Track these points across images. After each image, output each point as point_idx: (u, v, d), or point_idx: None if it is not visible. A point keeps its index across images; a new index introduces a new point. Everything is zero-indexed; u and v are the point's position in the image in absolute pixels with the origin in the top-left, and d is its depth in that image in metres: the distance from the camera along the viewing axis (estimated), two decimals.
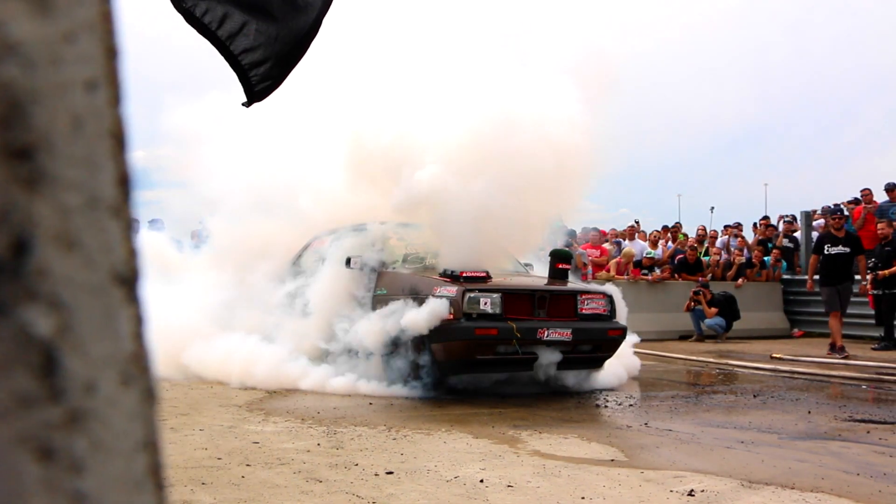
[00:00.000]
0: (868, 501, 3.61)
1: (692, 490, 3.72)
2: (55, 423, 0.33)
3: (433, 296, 6.51)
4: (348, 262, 7.45)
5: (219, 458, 4.29)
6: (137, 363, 0.36)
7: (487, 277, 6.69)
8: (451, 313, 6.35)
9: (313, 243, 8.92)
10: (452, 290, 6.46)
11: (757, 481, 3.91)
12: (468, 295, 6.40)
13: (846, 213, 11.53)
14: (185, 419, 5.47)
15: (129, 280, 0.37)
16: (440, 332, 6.35)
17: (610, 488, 3.76)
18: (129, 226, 0.37)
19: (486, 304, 6.43)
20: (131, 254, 0.37)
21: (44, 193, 0.35)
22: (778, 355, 10.05)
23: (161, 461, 0.36)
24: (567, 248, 7.49)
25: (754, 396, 6.92)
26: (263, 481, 3.83)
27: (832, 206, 14.54)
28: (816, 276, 10.61)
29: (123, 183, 0.36)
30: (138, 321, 0.37)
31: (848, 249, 10.28)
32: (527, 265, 8.06)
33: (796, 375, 8.48)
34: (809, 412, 6.11)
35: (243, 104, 3.24)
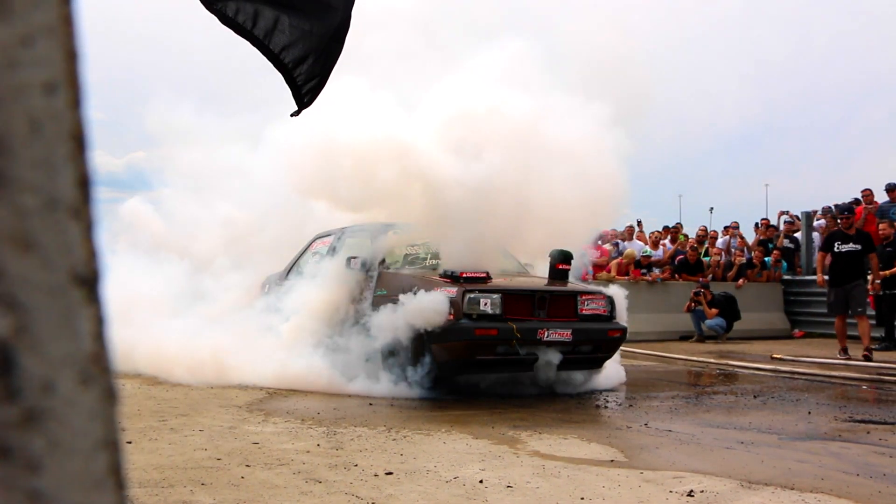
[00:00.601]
0: (868, 502, 3.61)
1: (691, 490, 3.71)
2: (11, 422, 0.33)
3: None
4: (348, 262, 7.46)
5: (218, 459, 4.29)
6: (97, 363, 0.36)
7: (487, 278, 6.69)
8: (451, 314, 6.36)
9: (314, 243, 8.95)
10: (452, 290, 6.46)
11: (756, 482, 3.91)
12: (468, 295, 6.40)
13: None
14: (185, 420, 5.48)
15: (89, 280, 0.37)
16: (440, 333, 6.35)
17: (609, 489, 3.75)
18: (89, 227, 0.37)
19: (486, 304, 6.43)
20: (92, 254, 0.37)
21: (0, 195, 0.34)
22: (778, 356, 10.05)
23: (122, 461, 0.36)
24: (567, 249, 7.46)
25: (754, 397, 6.91)
26: (263, 482, 3.83)
27: (832, 206, 14.53)
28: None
29: (84, 184, 0.36)
30: (99, 321, 0.37)
31: (859, 247, 10.04)
32: (527, 265, 8.07)
33: (797, 376, 8.47)
34: (810, 413, 6.10)
35: (292, 114, 3.19)
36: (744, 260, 13.79)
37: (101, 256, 0.37)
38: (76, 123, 0.36)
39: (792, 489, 3.77)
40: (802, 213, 14.50)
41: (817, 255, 10.88)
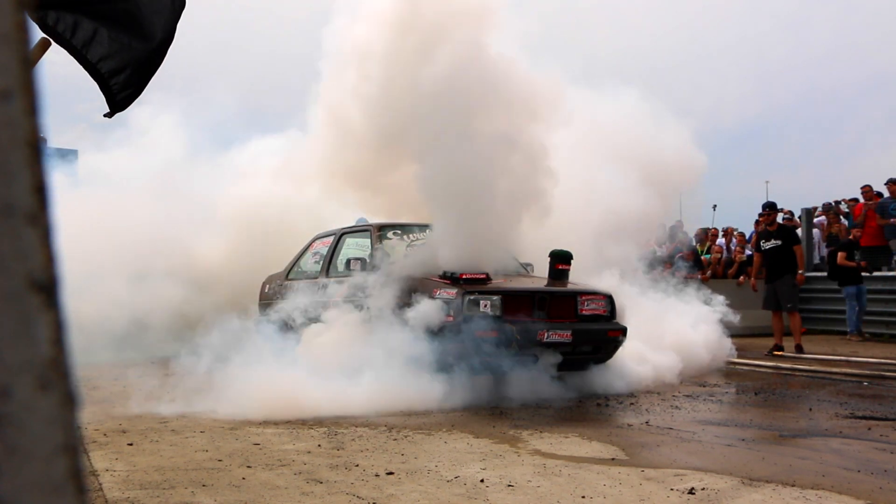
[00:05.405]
0: (869, 498, 3.60)
1: (692, 488, 3.71)
2: None
3: (433, 298, 6.50)
4: (348, 263, 7.45)
5: (219, 460, 4.30)
6: (56, 368, 0.36)
7: (487, 279, 6.67)
8: (450, 315, 6.34)
9: (314, 244, 8.96)
10: (452, 292, 6.44)
11: (757, 479, 3.90)
12: (468, 297, 6.38)
13: (779, 207, 11.52)
14: (186, 421, 5.48)
15: (47, 286, 0.36)
16: (440, 335, 6.33)
17: (610, 487, 3.75)
18: (47, 232, 0.37)
19: (485, 306, 6.41)
20: (50, 260, 0.37)
21: None
22: (779, 352, 10.04)
23: (82, 465, 0.36)
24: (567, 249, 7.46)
25: (755, 394, 6.91)
26: (264, 482, 3.83)
27: (832, 203, 14.52)
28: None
29: (40, 190, 0.36)
30: (58, 327, 0.37)
31: (780, 242, 10.26)
32: (527, 265, 8.07)
33: (797, 372, 8.47)
34: (811, 409, 6.10)
35: (106, 115, 3.23)
36: (744, 257, 13.78)
37: (60, 262, 0.37)
38: (31, 130, 0.36)
39: (793, 486, 3.77)
40: (802, 209, 14.49)
41: (754, 257, 11.24)
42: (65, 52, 3.01)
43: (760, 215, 11.07)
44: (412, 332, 6.43)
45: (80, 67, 3.05)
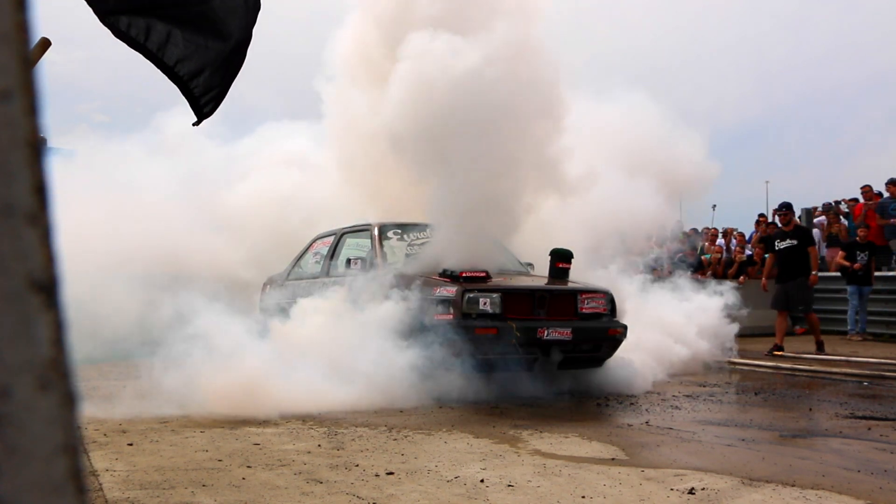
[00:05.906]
0: (869, 498, 3.60)
1: (692, 488, 3.71)
2: None
3: (433, 296, 6.50)
4: (348, 262, 7.46)
5: (219, 460, 4.29)
6: (56, 368, 0.36)
7: (487, 277, 6.68)
8: (451, 313, 6.35)
9: (314, 243, 8.97)
10: (452, 289, 6.45)
11: (758, 479, 3.90)
12: (468, 295, 6.39)
13: (794, 207, 11.54)
14: (186, 420, 5.48)
15: (47, 286, 0.36)
16: (440, 333, 6.34)
17: (610, 487, 3.75)
18: (47, 232, 0.37)
19: (485, 303, 6.42)
20: (50, 260, 0.37)
21: None
22: (779, 352, 10.05)
23: (82, 465, 0.36)
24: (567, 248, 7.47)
25: (755, 394, 6.91)
26: (264, 482, 3.83)
27: (832, 203, 14.52)
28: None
29: (40, 190, 0.36)
30: (58, 327, 0.37)
31: (796, 242, 10.23)
32: (527, 264, 8.07)
33: (798, 372, 8.47)
34: (811, 409, 6.10)
35: (194, 124, 3.21)
36: (744, 257, 13.79)
37: (60, 262, 0.37)
38: (31, 130, 0.36)
39: (793, 486, 3.77)
40: (802, 209, 14.51)
41: (767, 258, 11.21)
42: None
43: (777, 214, 11.09)
44: (411, 330, 6.44)
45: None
